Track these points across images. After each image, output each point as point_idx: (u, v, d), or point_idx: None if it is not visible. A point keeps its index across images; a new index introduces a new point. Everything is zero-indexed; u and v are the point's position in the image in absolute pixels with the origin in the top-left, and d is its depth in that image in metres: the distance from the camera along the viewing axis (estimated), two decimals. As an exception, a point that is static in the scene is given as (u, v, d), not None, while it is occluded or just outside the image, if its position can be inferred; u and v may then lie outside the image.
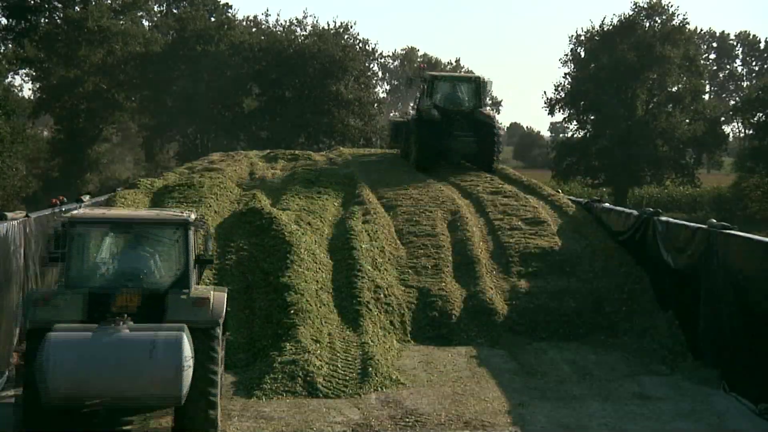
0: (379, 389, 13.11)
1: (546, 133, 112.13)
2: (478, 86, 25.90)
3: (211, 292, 11.30)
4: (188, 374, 10.04)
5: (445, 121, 24.85)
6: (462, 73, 27.51)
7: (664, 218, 17.23)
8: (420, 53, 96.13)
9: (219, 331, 11.04)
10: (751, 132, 53.97)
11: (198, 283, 12.01)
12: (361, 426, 11.60)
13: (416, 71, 27.12)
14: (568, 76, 54.04)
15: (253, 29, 47.74)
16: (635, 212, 18.88)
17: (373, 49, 47.11)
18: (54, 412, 10.00)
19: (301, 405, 12.40)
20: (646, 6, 52.22)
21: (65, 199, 18.53)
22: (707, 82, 77.44)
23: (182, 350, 9.95)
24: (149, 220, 11.74)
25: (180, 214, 11.75)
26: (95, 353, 9.79)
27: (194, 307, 10.86)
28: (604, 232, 20.04)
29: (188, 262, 11.20)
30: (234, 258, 17.77)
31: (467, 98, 25.85)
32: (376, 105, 49.63)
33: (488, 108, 26.84)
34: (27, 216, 14.83)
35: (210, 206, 20.40)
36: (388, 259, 18.51)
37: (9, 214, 14.19)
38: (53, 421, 10.15)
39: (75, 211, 12.10)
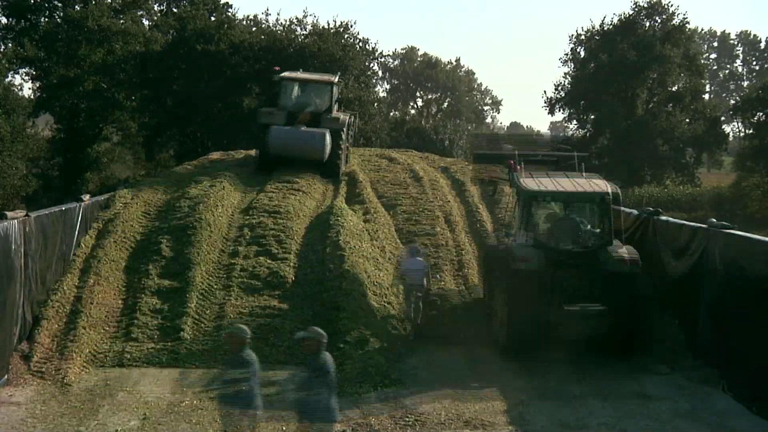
0: (379, 389, 13.12)
1: (546, 133, 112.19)
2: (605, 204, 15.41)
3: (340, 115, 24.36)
4: (328, 149, 23.57)
5: (551, 272, 14.94)
6: (575, 179, 15.79)
7: (664, 218, 17.24)
8: (420, 52, 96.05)
9: (343, 131, 24.41)
10: (751, 131, 53.90)
11: None
12: (360, 425, 11.61)
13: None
14: (568, 76, 54.05)
15: (253, 28, 47.61)
16: (635, 212, 18.87)
17: (373, 48, 47.02)
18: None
19: (301, 404, 12.39)
20: (646, 5, 52.19)
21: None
22: (707, 81, 77.40)
23: (325, 138, 23.45)
24: None
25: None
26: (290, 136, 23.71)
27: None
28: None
29: None
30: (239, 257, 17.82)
31: (588, 228, 15.71)
32: (376, 104, 49.56)
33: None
34: (27, 215, 14.83)
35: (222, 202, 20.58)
36: (388, 259, 18.52)
37: (9, 214, 14.19)
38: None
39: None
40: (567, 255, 14.87)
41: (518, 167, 16.65)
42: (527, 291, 14.31)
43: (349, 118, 25.99)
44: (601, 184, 15.49)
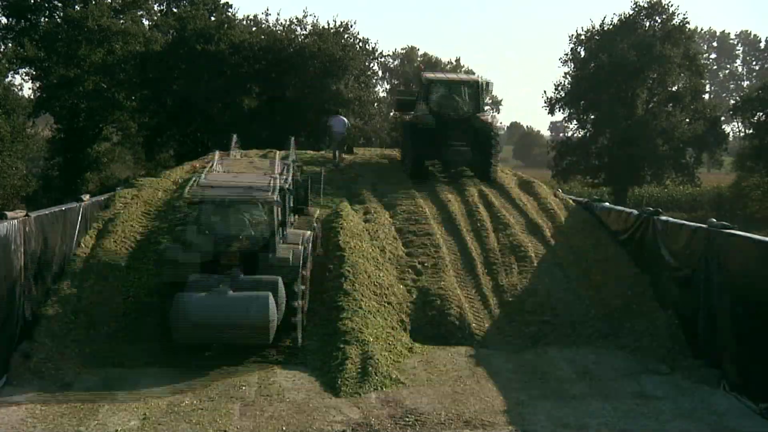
0: (379, 389, 13.13)
1: (546, 133, 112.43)
2: (478, 89, 24.35)
3: (290, 250, 15.05)
4: (275, 322, 13.91)
5: (441, 128, 23.72)
6: (460, 75, 26.90)
7: (664, 218, 17.24)
8: (420, 52, 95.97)
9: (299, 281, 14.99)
10: (751, 131, 53.91)
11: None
12: (360, 425, 11.61)
13: (415, 71, 28.25)
14: (568, 76, 54.04)
15: (253, 28, 47.60)
16: (635, 212, 18.87)
17: (373, 48, 47.05)
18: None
19: (300, 404, 12.41)
20: (646, 5, 52.20)
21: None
22: (707, 81, 77.35)
23: (268, 307, 13.67)
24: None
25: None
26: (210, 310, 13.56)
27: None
28: (604, 231, 20.05)
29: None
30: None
31: (465, 103, 24.36)
32: (376, 104, 49.58)
33: (487, 112, 25.52)
34: (27, 215, 14.83)
35: None
36: (388, 259, 18.52)
37: (9, 213, 14.19)
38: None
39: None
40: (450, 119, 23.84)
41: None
42: (426, 140, 23.66)
43: (314, 228, 17.72)
44: (477, 78, 24.90)
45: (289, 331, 14.87)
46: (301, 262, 15.12)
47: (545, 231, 20.12)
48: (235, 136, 20.44)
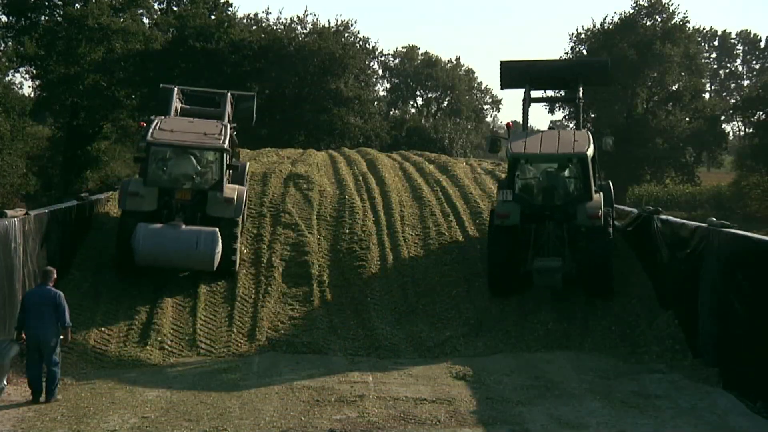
0: (379, 387, 13.14)
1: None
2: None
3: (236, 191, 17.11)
4: (218, 255, 16.25)
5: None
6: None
7: (663, 216, 17.22)
8: (421, 51, 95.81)
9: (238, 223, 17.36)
10: (751, 130, 53.90)
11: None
12: (359, 423, 11.59)
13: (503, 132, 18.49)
14: (568, 74, 53.95)
15: (254, 27, 47.61)
16: (635, 210, 18.84)
17: (373, 47, 47.25)
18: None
19: (299, 403, 12.40)
20: (646, 4, 52.20)
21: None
22: (707, 80, 77.32)
23: (216, 241, 16.25)
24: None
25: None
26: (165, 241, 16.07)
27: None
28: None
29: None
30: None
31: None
32: (376, 103, 49.67)
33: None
34: (27, 213, 14.82)
35: None
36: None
37: (9, 212, 14.18)
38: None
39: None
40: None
41: None
42: None
43: (244, 186, 18.51)
44: None
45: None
46: (243, 199, 17.70)
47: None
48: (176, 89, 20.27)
